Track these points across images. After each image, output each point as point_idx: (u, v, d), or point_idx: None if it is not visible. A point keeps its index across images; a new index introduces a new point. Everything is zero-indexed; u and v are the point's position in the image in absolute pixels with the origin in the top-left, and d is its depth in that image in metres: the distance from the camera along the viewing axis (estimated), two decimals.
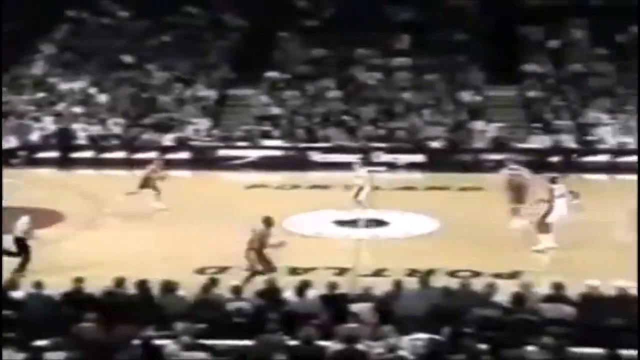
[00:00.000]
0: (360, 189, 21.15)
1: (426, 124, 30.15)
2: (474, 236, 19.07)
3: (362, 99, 31.42)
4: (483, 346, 10.84)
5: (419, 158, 28.53)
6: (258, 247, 16.28)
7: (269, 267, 16.14)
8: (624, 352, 10.64)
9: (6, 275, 14.79)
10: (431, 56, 32.57)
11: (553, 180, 18.63)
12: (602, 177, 26.84)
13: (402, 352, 10.91)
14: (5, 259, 16.22)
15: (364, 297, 13.03)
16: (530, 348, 10.91)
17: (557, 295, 12.93)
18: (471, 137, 29.47)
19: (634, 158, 27.18)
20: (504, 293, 13.02)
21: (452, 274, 16.04)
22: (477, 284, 13.63)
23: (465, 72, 32.29)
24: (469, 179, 24.67)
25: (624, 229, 19.52)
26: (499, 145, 28.83)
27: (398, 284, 13.39)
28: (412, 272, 15.98)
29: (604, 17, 33.06)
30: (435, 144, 29.27)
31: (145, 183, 21.73)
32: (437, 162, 27.82)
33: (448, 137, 29.52)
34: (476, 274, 15.94)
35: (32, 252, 16.73)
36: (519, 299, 12.71)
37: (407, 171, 27.79)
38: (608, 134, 28.86)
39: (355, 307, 12.60)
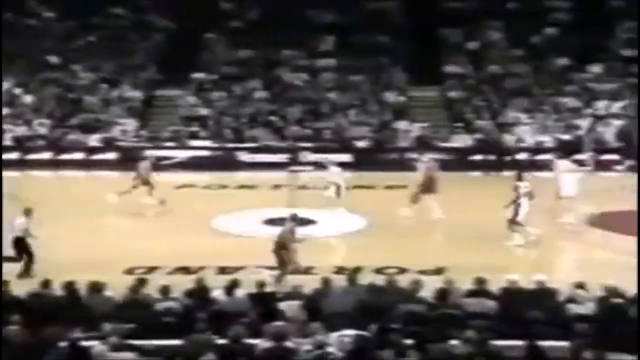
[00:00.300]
0: (339, 187, 21.16)
1: (352, 124, 30.29)
2: (400, 233, 19.22)
3: (288, 100, 31.42)
4: (409, 341, 10.90)
5: (345, 157, 28.61)
6: (286, 244, 16.13)
7: (295, 264, 16.09)
8: (543, 343, 10.81)
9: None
10: (355, 57, 32.74)
11: (519, 177, 18.80)
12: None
13: (330, 349, 10.91)
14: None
15: (293, 295, 13.01)
16: (454, 342, 11.02)
17: (480, 289, 13.10)
18: (396, 136, 29.69)
19: (551, 156, 27.74)
20: (428, 289, 13.14)
21: (379, 271, 16.11)
22: (403, 281, 13.72)
23: (388, 73, 32.53)
24: (394, 178, 24.81)
25: (547, 227, 19.86)
26: (422, 144, 29.11)
27: (326, 282, 13.41)
28: (340, 270, 16.00)
29: (519, 20, 33.76)
30: (361, 144, 29.42)
31: (139, 182, 21.69)
32: (363, 161, 27.96)
33: (373, 136, 29.70)
34: (402, 271, 16.05)
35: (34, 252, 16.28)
36: (443, 295, 12.84)
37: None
38: (526, 133, 29.36)
39: (283, 305, 12.57)
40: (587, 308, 12.64)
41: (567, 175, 20.26)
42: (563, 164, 20.95)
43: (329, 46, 33.85)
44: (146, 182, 21.67)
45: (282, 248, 15.94)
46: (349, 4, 34.37)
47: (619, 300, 12.77)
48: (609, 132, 29.00)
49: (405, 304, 12.56)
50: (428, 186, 20.72)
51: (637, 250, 15.25)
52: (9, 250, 16.39)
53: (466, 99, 31.29)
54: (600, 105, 30.35)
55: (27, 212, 16.70)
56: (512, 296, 12.98)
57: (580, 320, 12.30)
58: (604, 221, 19.80)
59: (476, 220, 19.83)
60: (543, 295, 13.01)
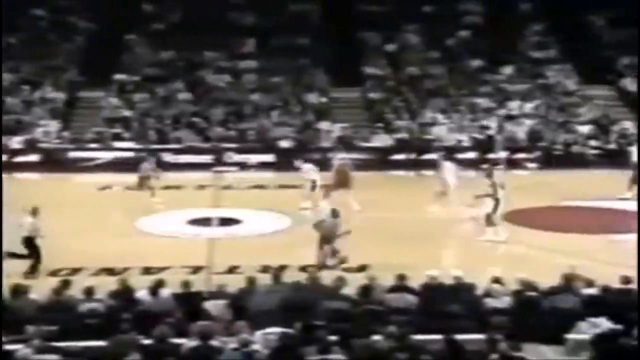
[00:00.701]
0: (314, 184, 20.97)
1: (275, 124, 30.26)
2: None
3: (211, 101, 31.21)
4: (333, 337, 10.94)
5: (269, 158, 28.60)
6: (330, 239, 16.21)
7: (340, 258, 16.14)
8: (461, 337, 10.97)
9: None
10: (276, 59, 32.73)
11: (489, 174, 19.00)
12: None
13: (255, 347, 10.88)
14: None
15: (218, 294, 12.93)
16: (376, 337, 11.10)
17: (401, 285, 13.23)
18: (318, 137, 29.77)
19: (469, 155, 28.20)
20: (352, 285, 13.21)
21: (303, 269, 16.11)
22: (327, 278, 13.76)
23: (310, 75, 32.60)
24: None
25: (463, 223, 20.16)
26: (344, 144, 29.25)
27: (251, 281, 13.36)
28: (264, 269, 15.96)
29: (434, 23, 34.26)
30: (284, 144, 29.42)
31: (142, 182, 21.60)
32: (286, 161, 27.94)
33: (296, 137, 29.73)
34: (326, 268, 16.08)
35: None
36: (365, 291, 12.92)
37: (258, 171, 27.79)
38: (443, 132, 29.74)
39: (209, 305, 12.48)
40: (503, 302, 12.88)
41: (451, 176, 20.58)
42: (448, 165, 21.22)
43: (250, 48, 33.78)
44: (148, 186, 21.57)
45: (326, 242, 16.16)
46: (270, 6, 34.36)
47: (533, 294, 13.05)
48: (520, 131, 29.57)
49: (329, 301, 12.60)
50: (342, 182, 20.95)
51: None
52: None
53: (386, 99, 31.55)
54: (513, 106, 30.94)
55: (34, 212, 16.40)
56: (432, 291, 13.14)
57: (497, 313, 12.54)
58: (518, 217, 20.19)
59: (398, 218, 20.02)
60: (461, 290, 13.21)
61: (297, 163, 22.50)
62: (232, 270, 16.33)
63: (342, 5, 34.99)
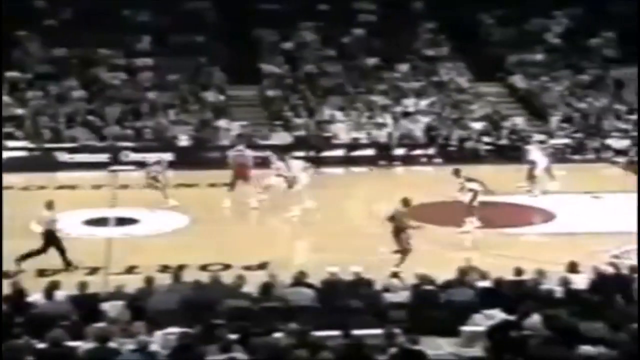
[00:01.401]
0: (293, 180, 20.65)
1: (172, 123, 29.88)
2: (223, 230, 19.12)
3: (107, 99, 30.59)
4: (234, 336, 10.85)
5: (167, 156, 28.17)
6: (399, 228, 16.13)
7: (406, 249, 15.99)
8: (360, 332, 11.05)
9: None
10: (172, 57, 32.32)
11: (456, 173, 19.24)
12: (338, 170, 27.76)
13: (154, 347, 10.70)
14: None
15: (116, 295, 12.67)
16: (277, 334, 11.06)
17: (301, 282, 13.23)
18: (216, 135, 29.54)
19: (367, 152, 28.49)
20: (253, 283, 13.14)
21: (203, 268, 15.96)
22: (227, 277, 13.66)
23: (207, 73, 32.33)
24: (217, 176, 24.68)
25: (362, 219, 20.33)
26: (243, 142, 29.08)
27: (150, 281, 13.14)
28: (163, 268, 15.73)
29: (330, 21, 34.49)
30: (182, 143, 29.08)
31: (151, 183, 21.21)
32: (185, 159, 27.64)
33: (194, 135, 29.42)
34: (226, 267, 15.97)
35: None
36: (266, 289, 12.88)
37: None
38: (342, 130, 29.92)
39: (106, 306, 12.21)
40: (401, 296, 13.03)
41: (301, 173, 20.63)
42: (296, 163, 21.28)
43: (146, 46, 33.28)
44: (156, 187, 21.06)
45: (400, 232, 16.05)
46: (165, 3, 33.92)
47: (430, 287, 13.24)
48: (417, 128, 30.00)
49: (230, 299, 12.51)
50: (240, 174, 20.82)
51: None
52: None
53: (284, 97, 31.55)
54: (408, 103, 31.38)
55: (50, 205, 16.23)
56: (331, 288, 13.19)
57: (395, 307, 12.68)
58: (415, 213, 20.45)
59: (296, 214, 20.03)
60: (360, 285, 13.30)
61: (284, 157, 22.09)
62: (130, 270, 16.04)
63: (237, 3, 34.82)
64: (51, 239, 16.12)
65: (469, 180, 18.98)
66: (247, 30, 34.45)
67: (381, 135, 29.45)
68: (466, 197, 18.80)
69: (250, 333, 10.88)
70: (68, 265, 16.00)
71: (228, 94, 31.82)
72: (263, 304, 12.49)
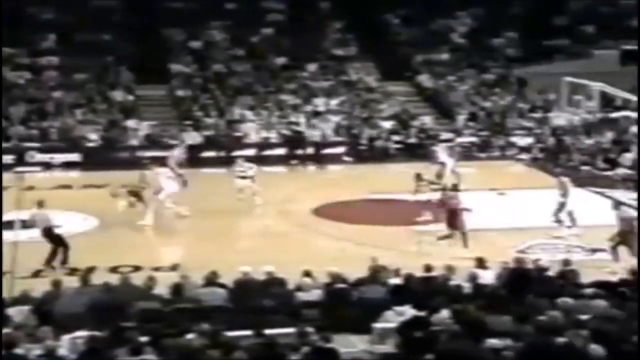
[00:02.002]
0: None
1: (79, 123, 29.27)
2: (133, 231, 18.81)
3: (11, 99, 29.75)
4: (145, 338, 10.67)
5: (74, 157, 27.64)
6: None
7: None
8: (273, 331, 11.02)
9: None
10: (79, 56, 31.68)
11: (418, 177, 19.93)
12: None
13: (61, 352, 10.44)
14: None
15: (22, 299, 12.32)
16: (189, 335, 10.93)
17: (213, 282, 13.12)
18: (125, 135, 29.08)
19: (278, 151, 28.46)
20: (164, 285, 12.97)
21: (113, 270, 15.67)
22: (138, 278, 13.44)
23: (114, 72, 31.80)
24: (126, 176, 24.29)
25: (274, 218, 20.28)
26: (152, 142, 28.77)
27: (57, 284, 12.82)
28: (72, 271, 15.38)
29: (238, 20, 34.38)
30: (90, 143, 28.53)
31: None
32: (93, 160, 27.13)
33: (103, 135, 28.90)
34: (137, 269, 15.72)
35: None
36: (177, 290, 12.72)
37: (63, 170, 26.79)
38: (252, 129, 29.82)
39: (12, 311, 11.85)
40: (314, 295, 13.04)
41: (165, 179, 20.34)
42: (163, 171, 20.86)
43: (51, 44, 32.52)
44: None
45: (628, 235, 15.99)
46: (70, 1, 33.22)
47: (342, 286, 13.29)
48: (328, 127, 30.12)
49: (141, 301, 12.31)
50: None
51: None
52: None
53: (193, 97, 31.27)
54: (318, 102, 31.49)
55: (41, 204, 16.18)
56: (244, 287, 13.12)
57: (308, 306, 12.68)
58: (327, 211, 20.56)
59: (209, 215, 19.87)
60: (273, 285, 13.26)
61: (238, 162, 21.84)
62: (37, 274, 15.63)
63: (144, 2, 34.37)
64: (52, 235, 16.15)
65: (432, 182, 19.37)
66: (155, 29, 34.04)
67: (292, 135, 29.43)
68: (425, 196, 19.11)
69: (161, 335, 10.72)
70: (64, 263, 16.02)
71: (136, 93, 31.36)
72: (174, 305, 12.32)
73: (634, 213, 16.69)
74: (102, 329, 10.97)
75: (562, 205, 18.35)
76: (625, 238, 16.05)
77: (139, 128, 29.31)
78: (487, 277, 13.61)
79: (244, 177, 20.74)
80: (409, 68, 34.23)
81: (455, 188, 19.39)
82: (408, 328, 11.20)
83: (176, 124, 30.31)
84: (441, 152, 23.58)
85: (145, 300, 12.39)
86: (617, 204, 16.71)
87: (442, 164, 22.80)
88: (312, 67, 33.40)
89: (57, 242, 16.22)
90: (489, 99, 32.13)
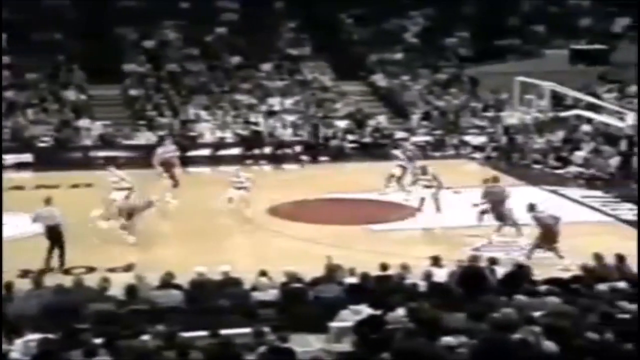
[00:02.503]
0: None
1: (31, 122, 28.87)
2: (86, 233, 18.58)
3: None
4: (99, 340, 10.55)
5: (26, 157, 27.25)
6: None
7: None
8: (229, 331, 10.97)
9: None
10: (31, 55, 31.25)
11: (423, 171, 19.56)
12: (204, 169, 27.51)
13: (14, 355, 10.27)
14: None
15: None
16: (144, 337, 10.83)
17: (169, 283, 13.02)
18: (77, 135, 28.75)
19: (233, 151, 28.34)
20: (118, 286, 12.84)
21: (66, 271, 15.46)
22: (91, 280, 13.29)
23: (67, 72, 31.43)
24: (79, 176, 24.03)
25: (230, 218, 20.19)
26: (105, 142, 28.49)
27: (9, 286, 12.61)
28: (24, 273, 15.15)
29: (192, 20, 34.22)
30: (42, 143, 28.15)
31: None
32: (45, 160, 26.78)
33: (55, 135, 28.54)
34: (90, 270, 15.53)
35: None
36: (132, 291, 12.60)
37: (14, 171, 26.39)
38: (207, 129, 29.67)
39: None
40: (270, 294, 13.01)
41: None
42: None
43: (3, 43, 32.04)
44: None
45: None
46: (22, 0, 32.75)
47: (298, 285, 13.28)
48: (283, 127, 30.08)
49: (95, 303, 12.17)
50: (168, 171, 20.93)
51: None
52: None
53: (147, 96, 31.03)
54: (273, 102, 31.45)
55: (48, 201, 15.96)
56: (199, 288, 13.04)
57: (264, 306, 12.65)
58: (284, 211, 20.54)
59: (164, 214, 19.72)
60: (229, 285, 13.20)
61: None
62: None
63: (97, 0, 34.02)
64: (56, 235, 15.90)
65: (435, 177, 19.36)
66: (108, 28, 33.71)
67: (248, 135, 29.33)
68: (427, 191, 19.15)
69: (115, 336, 10.61)
70: (62, 265, 15.84)
71: (89, 93, 31.03)
72: (129, 306, 12.20)
73: (548, 214, 16.97)
74: (55, 331, 10.83)
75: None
76: (545, 239, 16.28)
77: (92, 128, 29.01)
78: (442, 274, 13.70)
79: (239, 189, 20.27)
80: (363, 67, 34.35)
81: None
82: (364, 327, 11.24)
83: (129, 123, 30.06)
84: (399, 154, 23.35)
85: (99, 302, 12.26)
86: (531, 207, 16.92)
87: (403, 167, 22.51)
88: (266, 66, 33.34)
89: (57, 242, 16.00)
90: (442, 98, 32.36)
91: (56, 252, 16.15)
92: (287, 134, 29.77)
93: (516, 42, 35.13)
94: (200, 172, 26.75)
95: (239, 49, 33.83)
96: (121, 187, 19.37)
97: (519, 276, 13.57)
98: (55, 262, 16.05)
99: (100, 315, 11.77)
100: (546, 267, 14.83)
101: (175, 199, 21.00)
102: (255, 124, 29.79)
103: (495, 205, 17.88)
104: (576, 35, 35.21)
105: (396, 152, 23.88)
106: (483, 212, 18.08)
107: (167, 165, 21.58)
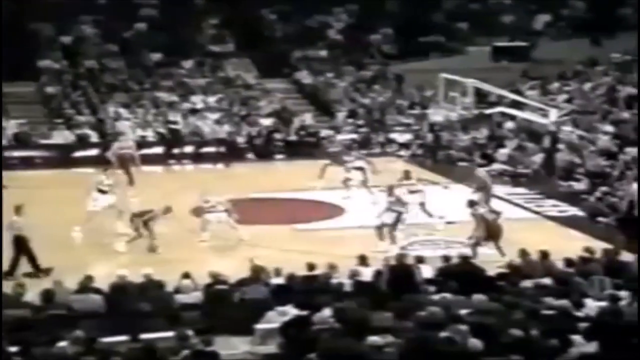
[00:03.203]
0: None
1: None
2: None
3: None
4: (14, 348, 10.30)
5: None
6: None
7: None
8: (151, 335, 10.84)
9: None
10: None
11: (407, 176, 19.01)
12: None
13: None
14: None
15: None
16: (62, 343, 10.62)
17: (88, 288, 12.80)
18: None
19: (155, 150, 27.92)
20: (36, 291, 12.57)
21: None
22: (6, 286, 12.97)
23: None
24: None
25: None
26: (20, 141, 27.85)
27: None
28: None
29: (110, 15, 33.71)
30: None
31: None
32: None
33: None
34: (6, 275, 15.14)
35: None
36: (48, 296, 12.34)
37: None
38: (127, 128, 29.19)
39: None
40: (194, 297, 12.90)
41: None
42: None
43: None
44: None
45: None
46: None
47: (223, 287, 13.20)
48: (205, 125, 29.81)
49: (9, 310, 11.88)
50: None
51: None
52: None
53: (64, 94, 30.45)
54: (196, 100, 31.16)
55: (18, 210, 15.37)
56: (120, 291, 12.85)
57: (187, 309, 12.54)
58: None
59: (83, 217, 19.34)
60: (151, 288, 13.05)
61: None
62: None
63: None
64: (22, 244, 15.41)
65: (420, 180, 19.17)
66: (22, 23, 32.94)
67: (169, 133, 29.02)
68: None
69: (32, 343, 10.38)
70: (39, 270, 15.34)
71: (3, 90, 30.25)
72: (46, 312, 11.95)
73: (488, 210, 17.31)
74: None
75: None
76: (486, 235, 16.58)
77: (6, 127, 28.32)
78: (369, 274, 13.78)
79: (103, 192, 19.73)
80: (287, 65, 34.31)
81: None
82: (290, 328, 11.23)
83: (46, 122, 29.44)
84: (353, 158, 22.84)
85: (14, 309, 11.98)
86: (471, 203, 17.22)
87: (361, 168, 22.12)
88: (188, 63, 33.04)
89: (24, 251, 15.54)
90: (368, 96, 32.55)
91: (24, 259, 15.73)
92: (210, 133, 29.50)
93: (440, 39, 35.56)
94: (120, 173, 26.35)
95: (160, 46, 33.44)
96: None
97: (405, 275, 13.64)
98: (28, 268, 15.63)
99: (16, 321, 11.51)
100: (486, 264, 14.91)
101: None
102: (174, 122, 29.44)
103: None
104: (498, 32, 35.82)
105: (348, 157, 23.05)
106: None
107: (122, 161, 21.12)
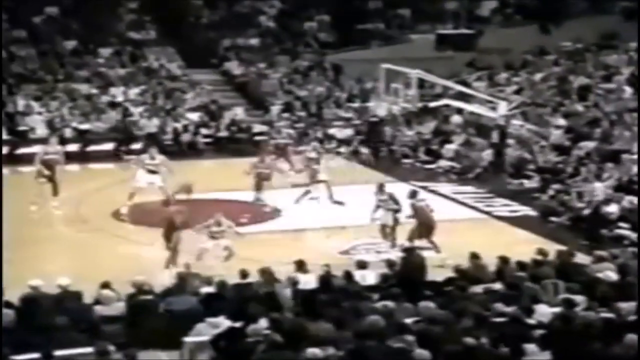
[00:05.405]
0: None
1: None
2: None
3: None
4: None
5: None
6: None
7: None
8: (67, 351, 10.72)
9: None
10: None
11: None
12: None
13: None
14: None
15: None
16: None
17: None
18: None
19: (70, 147, 27.55)
20: None
21: None
22: None
23: None
24: None
25: (68, 223, 19.71)
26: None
27: None
28: None
29: None
30: None
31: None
32: None
33: None
34: None
35: None
36: None
37: None
38: (40, 123, 28.72)
39: None
40: (115, 308, 12.77)
41: None
42: None
43: None
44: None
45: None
46: None
47: (147, 297, 13.09)
48: (125, 120, 29.49)
49: None
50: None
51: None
52: None
53: None
54: (116, 92, 30.81)
55: None
56: (32, 304, 12.63)
57: (108, 321, 12.41)
58: (130, 214, 20.20)
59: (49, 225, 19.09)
60: (67, 299, 12.87)
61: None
62: None
63: None
64: None
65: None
66: None
67: (90, 128, 28.69)
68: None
69: None
70: None
71: None
72: None
73: (426, 204, 17.58)
74: None
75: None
76: (423, 230, 16.82)
77: None
78: (308, 281, 13.80)
79: None
80: (215, 54, 34.16)
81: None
82: (223, 340, 11.21)
83: None
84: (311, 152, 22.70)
85: None
86: (413, 194, 17.43)
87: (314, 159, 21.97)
88: (105, 52, 32.68)
89: None
90: (304, 88, 32.55)
91: None
92: (132, 128, 29.15)
93: (380, 27, 35.73)
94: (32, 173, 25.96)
95: (74, 32, 32.99)
96: None
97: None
98: None
99: None
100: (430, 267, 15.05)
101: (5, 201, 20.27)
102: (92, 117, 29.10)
103: None
104: (442, 19, 36.13)
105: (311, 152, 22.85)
106: None
107: (47, 167, 20.74)
